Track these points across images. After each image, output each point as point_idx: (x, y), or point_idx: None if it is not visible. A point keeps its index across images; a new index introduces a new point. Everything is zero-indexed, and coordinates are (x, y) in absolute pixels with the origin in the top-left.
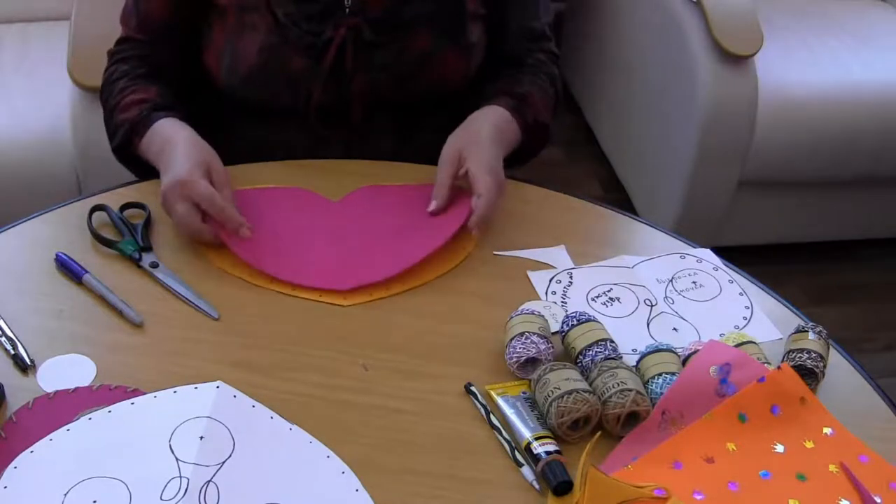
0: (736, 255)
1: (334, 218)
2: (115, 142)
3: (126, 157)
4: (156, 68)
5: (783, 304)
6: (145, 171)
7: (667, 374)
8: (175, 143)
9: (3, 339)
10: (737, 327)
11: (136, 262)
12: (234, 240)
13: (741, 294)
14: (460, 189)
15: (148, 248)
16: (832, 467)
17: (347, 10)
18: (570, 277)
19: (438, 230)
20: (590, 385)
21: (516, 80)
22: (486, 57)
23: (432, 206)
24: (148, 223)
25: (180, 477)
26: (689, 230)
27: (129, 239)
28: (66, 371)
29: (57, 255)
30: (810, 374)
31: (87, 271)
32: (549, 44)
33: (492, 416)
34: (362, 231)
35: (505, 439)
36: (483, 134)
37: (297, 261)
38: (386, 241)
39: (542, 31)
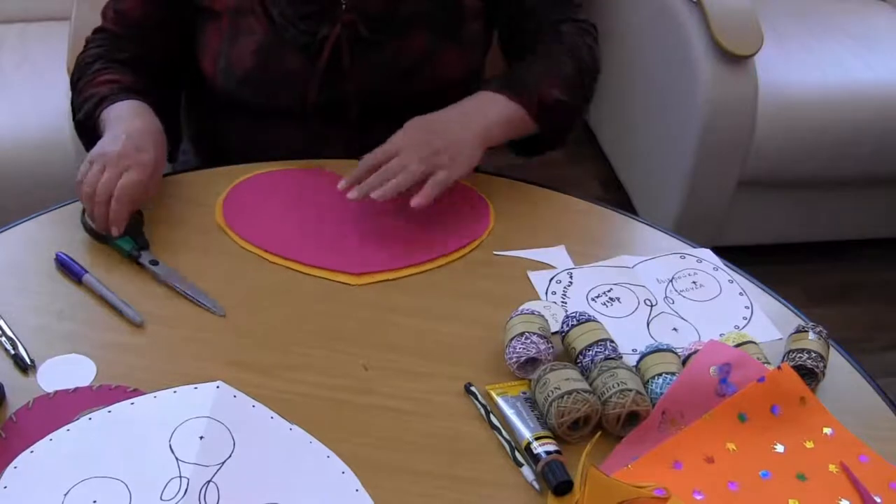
0: (736, 255)
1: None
2: (80, 115)
3: (84, 130)
4: (131, 58)
5: (783, 304)
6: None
7: (667, 374)
8: (134, 122)
9: (3, 339)
10: (737, 327)
11: (136, 260)
12: (243, 226)
13: (741, 294)
14: (476, 193)
15: (145, 247)
16: (832, 467)
17: (344, 6)
18: (570, 277)
19: (455, 230)
20: (590, 385)
21: (515, 65)
22: (510, 42)
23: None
24: (142, 223)
25: (180, 477)
26: (689, 230)
27: (126, 236)
28: (66, 371)
29: (57, 255)
30: (810, 374)
31: (86, 271)
32: (576, 10)
33: (492, 416)
34: (375, 213)
35: (505, 439)
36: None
37: (309, 243)
38: (398, 227)
39: None
